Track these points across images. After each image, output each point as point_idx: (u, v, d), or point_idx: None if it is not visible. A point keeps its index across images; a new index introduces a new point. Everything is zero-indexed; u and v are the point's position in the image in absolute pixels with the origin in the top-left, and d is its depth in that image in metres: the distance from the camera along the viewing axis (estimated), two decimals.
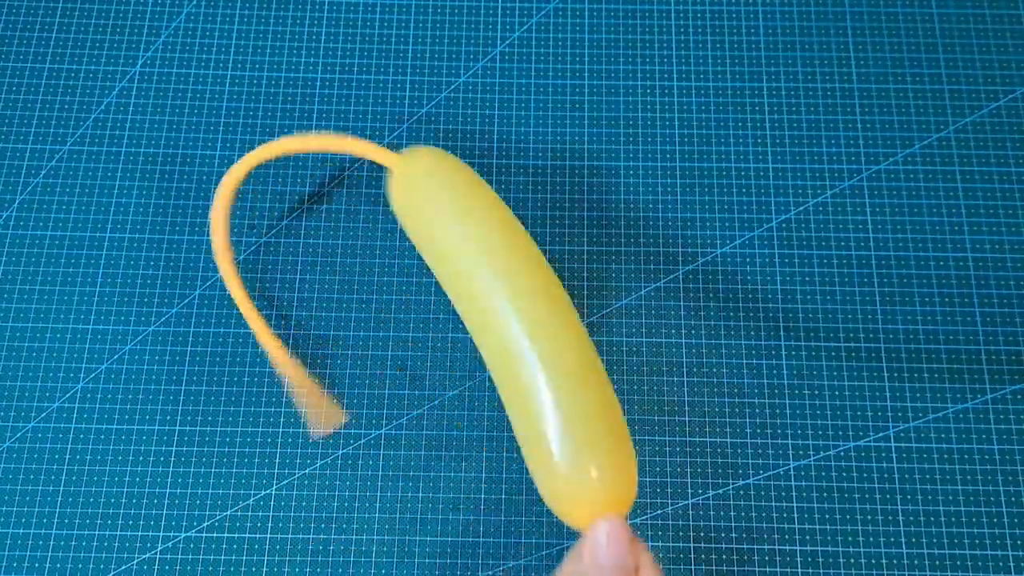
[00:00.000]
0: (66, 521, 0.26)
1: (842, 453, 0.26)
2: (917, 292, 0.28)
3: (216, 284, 0.28)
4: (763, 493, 0.26)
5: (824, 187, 0.29)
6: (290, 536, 0.26)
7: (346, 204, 0.29)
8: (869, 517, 0.26)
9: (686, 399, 0.27)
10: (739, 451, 0.26)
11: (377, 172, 0.29)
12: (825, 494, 0.26)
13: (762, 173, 0.29)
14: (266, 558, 0.25)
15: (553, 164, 0.29)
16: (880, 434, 0.26)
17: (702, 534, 0.26)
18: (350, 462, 0.26)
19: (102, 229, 0.29)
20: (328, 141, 0.26)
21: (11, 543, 0.26)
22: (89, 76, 0.30)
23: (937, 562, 0.25)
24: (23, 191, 0.29)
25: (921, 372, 0.27)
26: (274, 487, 0.26)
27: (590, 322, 0.28)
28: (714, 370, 0.27)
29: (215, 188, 0.29)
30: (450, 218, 0.23)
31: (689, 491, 0.26)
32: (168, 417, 0.27)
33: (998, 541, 0.25)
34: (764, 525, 0.26)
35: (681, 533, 0.26)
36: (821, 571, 0.25)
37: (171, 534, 0.26)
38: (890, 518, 0.26)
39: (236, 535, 0.26)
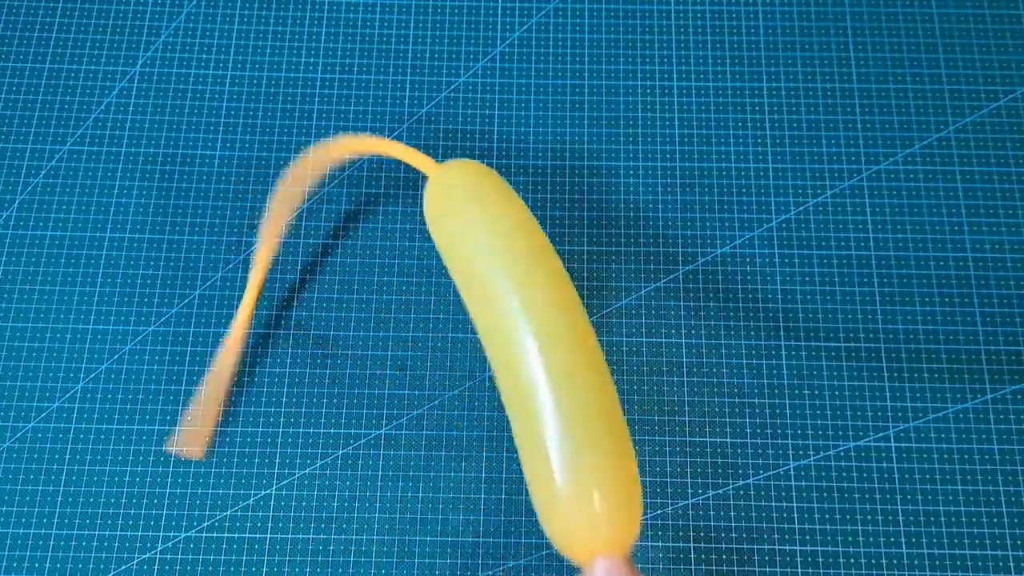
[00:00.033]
0: (66, 521, 0.26)
1: (842, 453, 0.26)
2: (917, 292, 0.28)
3: (216, 284, 0.28)
4: (763, 493, 0.26)
5: (824, 187, 0.29)
6: (290, 536, 0.26)
7: (346, 204, 0.29)
8: (869, 517, 0.26)
9: (686, 399, 0.27)
10: (739, 451, 0.26)
11: (377, 172, 0.29)
12: (825, 494, 0.26)
13: (762, 173, 0.29)
14: (266, 558, 0.25)
15: (553, 164, 0.29)
16: (880, 434, 0.26)
17: (702, 534, 0.26)
18: (350, 462, 0.26)
19: (102, 229, 0.29)
20: (373, 144, 0.26)
21: (11, 543, 0.26)
22: (89, 76, 0.30)
23: (937, 562, 0.25)
24: (23, 191, 0.29)
25: (921, 372, 0.27)
26: (274, 487, 0.26)
27: (590, 322, 0.28)
28: (714, 370, 0.27)
29: (215, 188, 0.29)
30: (480, 235, 0.22)
31: (689, 491, 0.26)
32: (168, 417, 0.27)
33: (998, 541, 0.25)
34: (764, 525, 0.26)
35: (681, 533, 0.26)
36: (821, 571, 0.25)
37: (171, 534, 0.26)
38: (890, 518, 0.26)
39: (236, 535, 0.26)
